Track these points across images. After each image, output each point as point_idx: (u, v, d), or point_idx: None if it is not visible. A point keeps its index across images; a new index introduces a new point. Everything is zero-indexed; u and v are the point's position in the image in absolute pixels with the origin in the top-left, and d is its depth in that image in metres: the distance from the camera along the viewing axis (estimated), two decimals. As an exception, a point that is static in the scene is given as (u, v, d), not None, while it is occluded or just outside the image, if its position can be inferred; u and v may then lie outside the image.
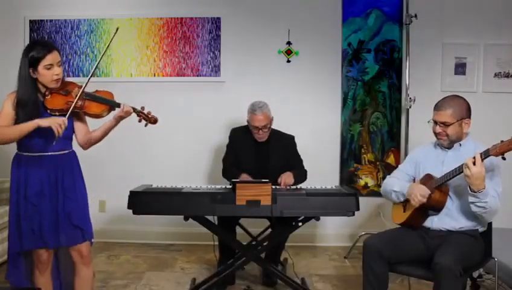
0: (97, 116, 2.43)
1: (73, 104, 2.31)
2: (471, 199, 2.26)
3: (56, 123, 2.21)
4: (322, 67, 4.24)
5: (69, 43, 4.25)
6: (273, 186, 2.87)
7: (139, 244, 4.18)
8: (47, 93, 2.33)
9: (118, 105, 2.45)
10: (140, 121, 2.52)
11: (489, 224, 2.49)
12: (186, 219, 2.78)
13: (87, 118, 2.48)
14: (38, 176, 2.31)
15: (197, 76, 4.25)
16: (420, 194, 2.41)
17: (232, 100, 4.17)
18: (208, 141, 4.25)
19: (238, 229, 3.43)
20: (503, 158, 2.14)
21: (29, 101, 2.27)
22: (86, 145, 2.48)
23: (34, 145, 2.29)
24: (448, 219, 2.43)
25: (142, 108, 2.53)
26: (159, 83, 4.25)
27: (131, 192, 2.75)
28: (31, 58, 2.25)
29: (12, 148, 2.36)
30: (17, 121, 2.26)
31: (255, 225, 3.59)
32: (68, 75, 4.12)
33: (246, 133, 3.43)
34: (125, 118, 2.45)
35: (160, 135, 4.22)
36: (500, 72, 4.18)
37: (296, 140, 3.51)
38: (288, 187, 3.04)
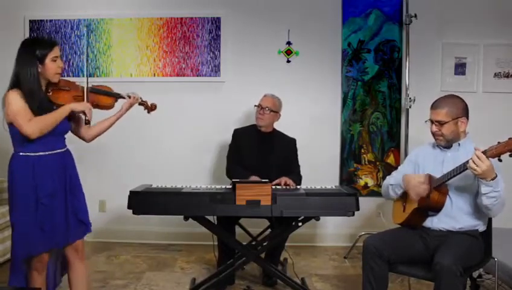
0: (108, 107, 2.55)
1: (86, 95, 2.36)
2: (484, 190, 2.21)
3: (87, 107, 2.33)
4: (322, 67, 4.24)
5: (69, 43, 4.25)
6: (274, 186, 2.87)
7: (139, 244, 4.18)
8: (49, 90, 2.32)
9: (122, 96, 2.59)
10: (145, 109, 2.75)
11: (489, 224, 2.49)
12: (186, 218, 2.78)
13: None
14: (50, 177, 2.28)
15: (197, 76, 4.25)
16: (418, 181, 2.42)
17: (232, 100, 4.18)
18: (207, 141, 4.24)
19: (238, 229, 3.43)
20: (500, 160, 2.13)
21: (40, 95, 2.25)
22: (89, 138, 2.53)
23: (46, 143, 2.26)
24: (448, 219, 2.43)
25: (141, 98, 2.71)
26: (159, 83, 4.24)
27: (131, 192, 2.74)
28: (39, 52, 2.23)
29: (10, 148, 2.32)
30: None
31: (255, 225, 3.59)
32: (68, 75, 4.13)
33: (248, 132, 3.46)
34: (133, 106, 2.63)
35: (160, 135, 4.23)
36: (500, 72, 4.18)
37: (296, 140, 3.51)
38: (291, 186, 3.04)
